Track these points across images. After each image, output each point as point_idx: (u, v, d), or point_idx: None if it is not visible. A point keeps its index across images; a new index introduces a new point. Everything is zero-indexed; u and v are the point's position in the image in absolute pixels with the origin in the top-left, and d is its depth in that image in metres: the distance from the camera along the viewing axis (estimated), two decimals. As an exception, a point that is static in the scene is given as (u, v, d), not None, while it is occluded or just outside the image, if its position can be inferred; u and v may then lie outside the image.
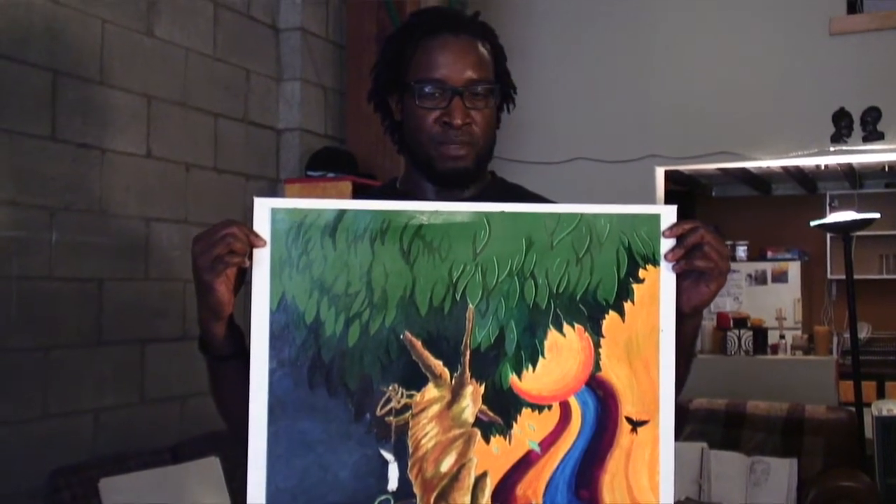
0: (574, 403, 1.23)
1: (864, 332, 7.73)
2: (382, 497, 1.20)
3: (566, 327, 1.23)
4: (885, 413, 4.07)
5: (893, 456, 4.02)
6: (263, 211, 1.21)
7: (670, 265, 1.24)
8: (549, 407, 1.23)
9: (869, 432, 4.23)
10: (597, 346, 1.23)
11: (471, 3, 4.32)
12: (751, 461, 4.03)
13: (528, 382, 1.22)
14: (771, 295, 8.01)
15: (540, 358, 1.23)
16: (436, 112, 1.40)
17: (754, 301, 7.93)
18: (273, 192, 4.00)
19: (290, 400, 1.20)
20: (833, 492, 3.76)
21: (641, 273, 1.24)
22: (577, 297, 1.23)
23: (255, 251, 1.21)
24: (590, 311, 1.23)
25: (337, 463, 1.20)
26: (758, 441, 4.18)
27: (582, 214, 1.24)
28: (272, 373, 1.20)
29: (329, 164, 3.96)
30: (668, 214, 1.25)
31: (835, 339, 6.43)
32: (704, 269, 1.24)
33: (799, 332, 7.06)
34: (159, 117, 3.40)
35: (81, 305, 3.06)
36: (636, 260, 1.24)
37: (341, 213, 1.22)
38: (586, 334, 1.23)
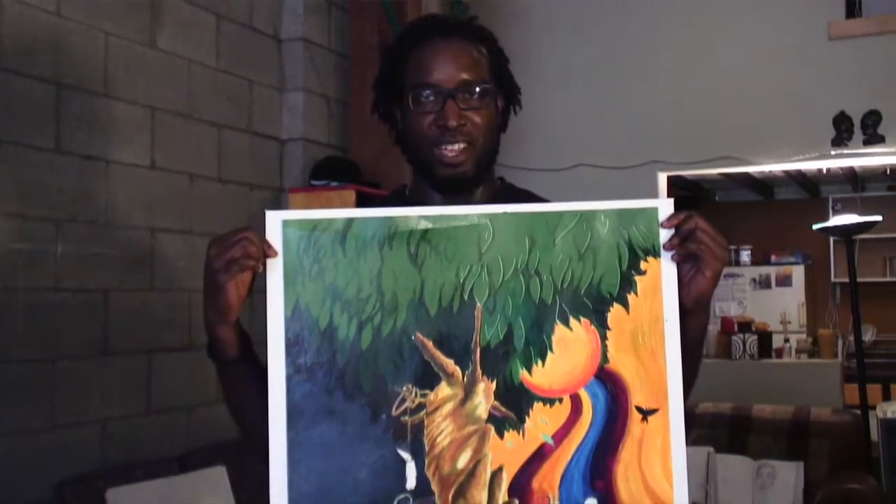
0: (584, 395, 1.25)
1: (868, 335, 7.73)
2: (401, 496, 1.22)
3: (572, 321, 1.26)
4: (890, 415, 4.07)
5: (899, 458, 4.02)
6: (275, 223, 1.25)
7: (670, 256, 1.27)
8: (560, 400, 1.25)
9: (874, 435, 4.23)
10: (603, 338, 1.26)
11: (472, 9, 4.34)
12: (757, 465, 4.03)
13: (539, 377, 1.25)
14: (775, 299, 8.01)
15: (548, 352, 1.25)
16: (431, 116, 1.41)
17: (758, 305, 7.93)
18: (277, 201, 4.01)
19: (308, 405, 1.22)
20: (839, 495, 3.75)
21: (643, 265, 1.27)
22: (582, 292, 1.26)
23: (269, 261, 1.24)
24: (594, 304, 1.26)
25: (356, 464, 1.22)
26: (764, 445, 4.17)
27: (581, 212, 1.27)
28: (289, 379, 1.23)
29: (333, 173, 3.98)
30: (665, 206, 1.29)
31: (839, 343, 6.43)
32: (698, 252, 1.26)
33: (803, 336, 7.07)
34: (163, 128, 3.42)
35: (87, 316, 3.07)
36: (637, 253, 1.27)
37: (350, 222, 1.26)
38: (592, 327, 1.26)
